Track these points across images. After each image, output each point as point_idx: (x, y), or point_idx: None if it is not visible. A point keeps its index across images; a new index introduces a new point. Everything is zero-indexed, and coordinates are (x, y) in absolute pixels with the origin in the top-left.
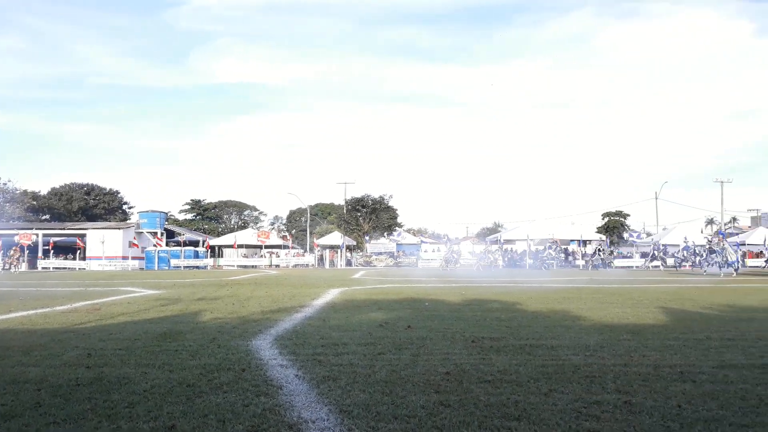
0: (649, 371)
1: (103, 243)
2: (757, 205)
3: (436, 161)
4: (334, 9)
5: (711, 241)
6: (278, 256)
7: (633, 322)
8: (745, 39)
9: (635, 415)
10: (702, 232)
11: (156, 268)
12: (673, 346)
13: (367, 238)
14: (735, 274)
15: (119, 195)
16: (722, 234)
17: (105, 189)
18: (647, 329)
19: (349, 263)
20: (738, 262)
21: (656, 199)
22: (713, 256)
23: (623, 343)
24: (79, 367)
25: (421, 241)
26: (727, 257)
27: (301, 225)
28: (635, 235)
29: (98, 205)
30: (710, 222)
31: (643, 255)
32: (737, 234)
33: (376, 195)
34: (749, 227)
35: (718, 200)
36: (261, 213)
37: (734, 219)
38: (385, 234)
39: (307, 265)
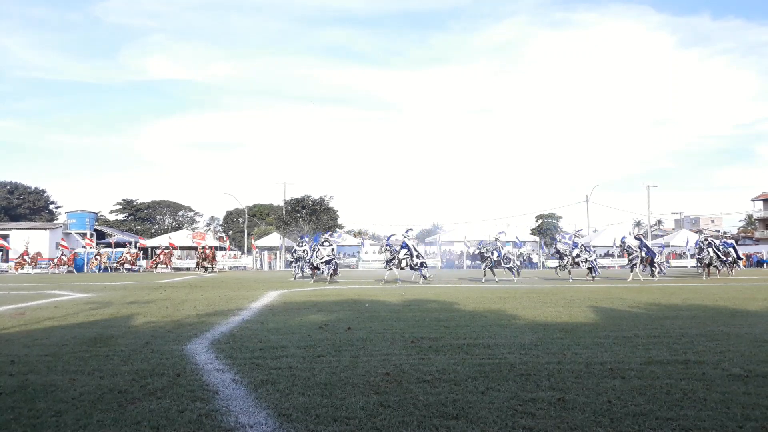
0: (581, 368)
1: (28, 244)
2: (680, 208)
3: (374, 162)
4: (268, 8)
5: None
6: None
7: (566, 320)
8: (667, 51)
9: (568, 412)
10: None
11: (86, 270)
12: (603, 344)
13: (306, 239)
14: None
15: (45, 194)
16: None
17: (30, 188)
18: (579, 327)
19: (288, 265)
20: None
21: (587, 201)
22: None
23: (557, 341)
24: (2, 375)
25: (362, 242)
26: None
27: (238, 226)
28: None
29: (22, 205)
30: (637, 224)
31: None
32: (662, 236)
33: (316, 196)
34: (673, 229)
35: (644, 203)
36: (196, 214)
37: (659, 221)
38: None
39: (245, 267)
